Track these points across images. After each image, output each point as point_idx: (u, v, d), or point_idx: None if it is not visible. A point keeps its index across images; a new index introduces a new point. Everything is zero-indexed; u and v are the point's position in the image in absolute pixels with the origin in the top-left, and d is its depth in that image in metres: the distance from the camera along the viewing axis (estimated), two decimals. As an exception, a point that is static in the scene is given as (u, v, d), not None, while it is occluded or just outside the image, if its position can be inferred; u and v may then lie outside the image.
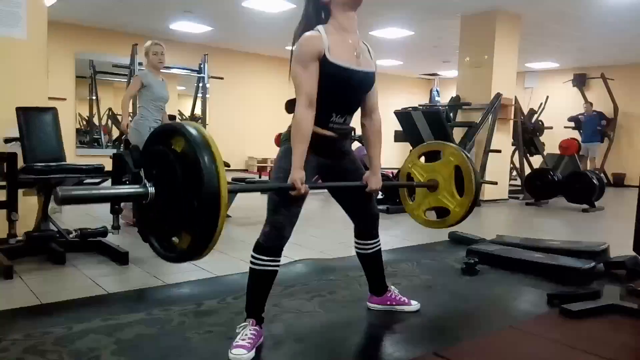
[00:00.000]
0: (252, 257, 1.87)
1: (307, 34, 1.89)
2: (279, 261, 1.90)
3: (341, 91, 1.94)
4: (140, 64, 7.39)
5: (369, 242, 2.25)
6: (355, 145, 7.11)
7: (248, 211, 5.06)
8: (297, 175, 1.82)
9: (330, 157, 2.02)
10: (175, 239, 1.55)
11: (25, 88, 3.52)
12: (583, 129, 10.24)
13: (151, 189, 1.52)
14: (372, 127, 2.11)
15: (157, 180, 1.53)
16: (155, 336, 1.95)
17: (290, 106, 1.95)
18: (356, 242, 2.27)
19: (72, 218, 4.46)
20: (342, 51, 1.90)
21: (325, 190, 2.29)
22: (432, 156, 2.49)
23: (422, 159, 2.57)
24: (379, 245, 2.29)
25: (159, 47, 4.33)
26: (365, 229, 2.22)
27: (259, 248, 1.87)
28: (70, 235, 3.07)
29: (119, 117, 4.78)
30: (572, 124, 10.47)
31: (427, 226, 2.55)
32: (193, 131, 1.48)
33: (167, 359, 1.77)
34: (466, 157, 2.36)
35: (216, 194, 1.42)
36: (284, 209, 1.87)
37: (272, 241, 1.85)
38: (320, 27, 1.91)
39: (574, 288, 2.67)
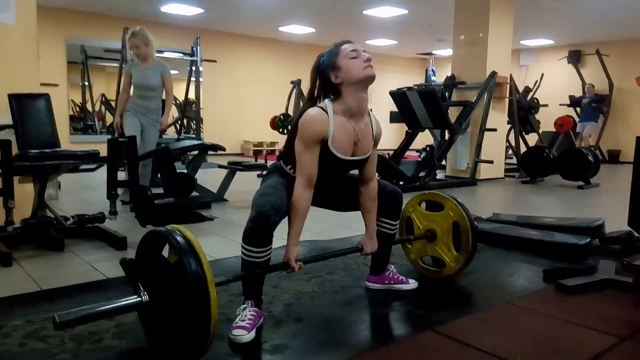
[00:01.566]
0: (242, 247, 1.86)
1: (314, 112, 1.87)
2: (269, 250, 1.87)
3: (329, 169, 1.96)
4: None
5: (390, 222, 2.27)
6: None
7: (245, 194, 5.06)
8: (292, 254, 1.89)
9: (317, 192, 2.00)
10: (174, 341, 1.59)
11: (16, 74, 3.48)
12: (581, 108, 10.22)
13: (145, 298, 1.58)
14: (368, 195, 2.12)
15: (150, 288, 1.59)
16: (155, 319, 1.96)
17: (281, 157, 2.03)
18: (379, 220, 2.24)
19: (69, 204, 4.46)
20: (343, 140, 1.91)
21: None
22: (433, 206, 2.51)
23: (423, 205, 2.57)
24: (397, 229, 2.33)
25: (135, 40, 4.26)
26: (389, 208, 2.23)
27: (247, 237, 1.83)
28: (68, 222, 3.07)
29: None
30: (567, 102, 10.46)
31: (423, 272, 2.57)
32: (179, 238, 1.52)
33: (168, 342, 1.78)
34: (465, 215, 2.36)
35: (205, 297, 1.44)
36: (271, 195, 1.86)
37: (259, 228, 1.80)
38: (328, 105, 1.89)
39: (569, 264, 2.71)
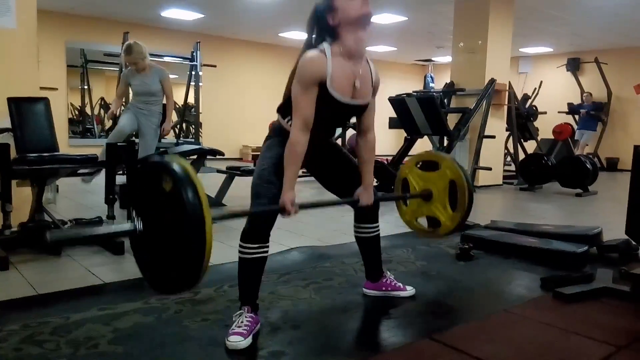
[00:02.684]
0: (240, 246, 1.88)
1: (312, 54, 1.86)
2: (267, 247, 1.90)
3: (331, 116, 1.95)
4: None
5: (369, 225, 2.26)
6: (350, 132, 7.11)
7: (243, 200, 5.05)
8: (288, 197, 1.85)
9: (315, 152, 2.02)
10: (167, 271, 1.56)
11: (15, 78, 3.49)
12: (580, 116, 10.25)
13: (139, 225, 1.55)
14: (367, 146, 2.11)
15: (144, 215, 1.56)
16: (152, 325, 1.96)
17: (280, 108, 2.00)
18: (356, 226, 2.28)
19: (67, 208, 4.45)
20: (342, 81, 1.88)
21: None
22: (430, 166, 2.50)
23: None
24: (378, 230, 2.30)
25: (131, 57, 4.26)
26: (365, 213, 2.23)
27: (245, 236, 1.87)
28: (65, 226, 3.06)
29: (111, 107, 4.95)
30: (565, 109, 10.48)
31: (417, 232, 2.57)
32: (176, 167, 1.50)
33: (164, 347, 1.78)
34: (462, 173, 2.36)
35: (200, 222, 1.42)
36: (267, 194, 1.87)
37: (257, 227, 1.85)
38: (326, 47, 1.87)
39: (567, 272, 2.70)
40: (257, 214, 1.88)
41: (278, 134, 2.00)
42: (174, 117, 9.86)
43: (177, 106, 10.00)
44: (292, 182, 1.87)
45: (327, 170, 2.18)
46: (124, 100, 5.29)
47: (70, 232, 1.45)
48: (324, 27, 1.90)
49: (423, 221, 2.58)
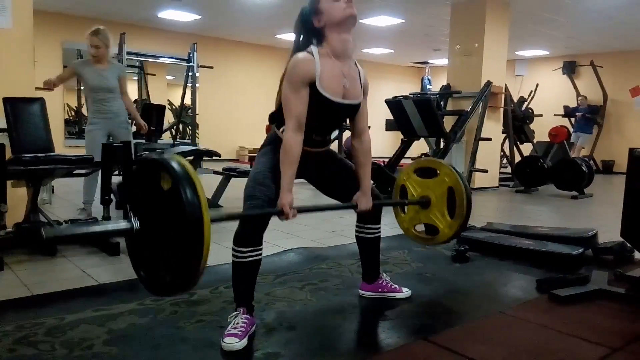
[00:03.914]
0: (233, 249, 1.87)
1: (300, 56, 1.88)
2: (260, 250, 1.89)
3: (323, 117, 1.95)
4: (128, 53, 7.32)
5: (371, 226, 2.26)
6: (347, 134, 7.12)
7: (240, 201, 5.04)
8: (286, 199, 1.85)
9: (312, 162, 2.02)
10: (163, 272, 1.55)
11: (11, 78, 3.48)
12: (576, 119, 10.28)
13: (136, 224, 1.53)
14: (362, 148, 2.11)
15: (141, 213, 1.54)
16: (147, 326, 1.95)
17: (273, 118, 2.00)
18: (357, 226, 2.27)
19: (62, 209, 4.44)
20: (331, 81, 1.90)
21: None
22: (428, 173, 2.50)
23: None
24: (380, 232, 2.30)
25: (96, 39, 3.91)
26: (368, 214, 2.21)
27: (238, 239, 1.86)
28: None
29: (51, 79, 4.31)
30: (561, 112, 10.52)
31: (415, 240, 2.57)
32: (175, 165, 1.48)
33: (159, 349, 1.77)
34: (460, 180, 2.35)
35: (199, 223, 1.40)
36: (260, 196, 1.87)
37: (249, 230, 1.84)
38: (314, 49, 1.90)
39: (562, 274, 2.71)
40: (255, 217, 1.88)
41: (273, 142, 2.01)
42: (171, 118, 9.93)
43: (174, 107, 10.00)
44: (290, 184, 1.87)
45: (325, 178, 2.18)
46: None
47: (66, 230, 1.42)
48: (310, 30, 1.93)
49: (420, 227, 2.58)
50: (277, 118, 1.99)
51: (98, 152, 3.39)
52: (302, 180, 2.05)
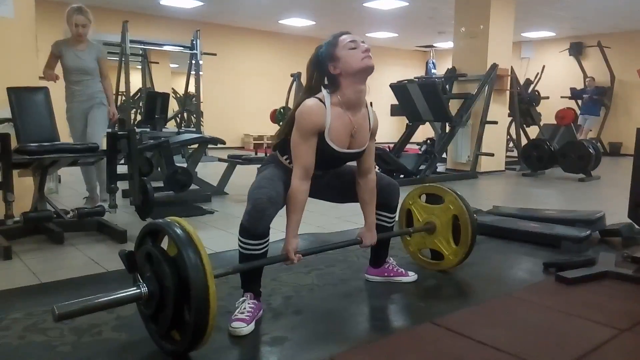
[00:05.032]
0: (239, 240, 1.86)
1: (311, 103, 1.85)
2: (266, 242, 1.88)
3: (325, 159, 1.94)
4: (131, 41, 7.29)
5: (388, 214, 2.27)
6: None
7: (245, 188, 5.05)
8: (291, 245, 1.88)
9: (313, 184, 1.99)
10: (173, 333, 1.59)
11: (15, 68, 3.47)
12: (582, 100, 10.19)
13: (144, 289, 1.57)
14: (367, 187, 2.11)
15: (149, 279, 1.58)
16: (155, 312, 1.96)
17: (276, 146, 2.02)
18: (376, 213, 2.22)
19: (69, 198, 4.46)
20: (340, 132, 1.89)
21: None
22: (434, 199, 2.50)
23: (423, 198, 2.56)
24: (395, 221, 2.32)
25: (81, 17, 3.74)
26: (386, 201, 2.22)
27: (244, 231, 1.84)
28: (68, 215, 3.07)
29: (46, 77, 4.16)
30: (568, 94, 10.42)
31: (421, 264, 2.56)
32: (178, 230, 1.51)
33: (167, 334, 1.79)
34: (465, 209, 2.35)
35: (204, 290, 1.44)
36: (267, 187, 1.86)
37: (255, 222, 1.81)
38: (326, 97, 1.87)
39: (569, 256, 2.70)
40: (257, 265, 1.88)
41: (274, 162, 2.03)
42: (176, 106, 9.92)
43: (178, 95, 9.98)
44: (295, 230, 1.90)
45: (327, 192, 2.18)
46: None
47: (77, 304, 1.50)
48: (324, 74, 1.90)
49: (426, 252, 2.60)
50: (281, 146, 2.00)
51: (82, 139, 3.38)
52: None
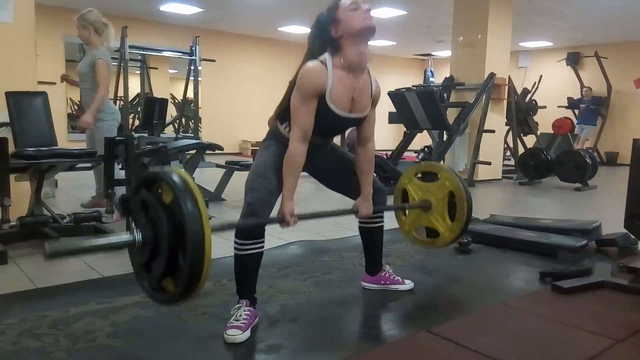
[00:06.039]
0: (235, 242, 1.87)
1: (312, 65, 1.85)
2: (262, 242, 1.89)
3: (326, 125, 1.93)
4: (130, 47, 7.31)
5: (375, 216, 2.25)
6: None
7: (242, 194, 5.05)
8: (287, 208, 1.86)
9: (314, 155, 2.00)
10: (165, 282, 1.56)
11: (13, 72, 3.47)
12: (579, 110, 10.24)
13: (138, 236, 1.55)
14: (366, 156, 2.10)
15: (144, 226, 1.55)
16: (150, 318, 1.96)
17: (278, 113, 2.00)
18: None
19: (65, 203, 4.45)
20: (341, 95, 1.88)
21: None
22: (429, 177, 2.50)
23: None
24: (382, 222, 2.30)
25: (76, 23, 3.89)
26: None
27: (239, 232, 1.85)
28: (64, 220, 3.06)
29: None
30: (565, 103, 10.47)
31: (415, 243, 2.57)
32: (175, 178, 1.50)
33: (162, 341, 1.78)
34: (461, 185, 2.35)
35: (200, 236, 1.42)
36: (261, 188, 1.86)
37: (250, 223, 1.83)
38: (327, 59, 1.86)
39: (565, 265, 2.71)
40: (254, 225, 1.87)
41: (274, 137, 2.01)
42: (173, 111, 9.92)
43: (177, 101, 9.99)
44: (292, 192, 1.88)
45: (327, 172, 2.18)
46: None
47: (69, 244, 1.45)
48: (326, 38, 1.89)
49: (421, 230, 2.58)
50: (281, 113, 1.99)
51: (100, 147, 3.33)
52: (304, 173, 2.05)
